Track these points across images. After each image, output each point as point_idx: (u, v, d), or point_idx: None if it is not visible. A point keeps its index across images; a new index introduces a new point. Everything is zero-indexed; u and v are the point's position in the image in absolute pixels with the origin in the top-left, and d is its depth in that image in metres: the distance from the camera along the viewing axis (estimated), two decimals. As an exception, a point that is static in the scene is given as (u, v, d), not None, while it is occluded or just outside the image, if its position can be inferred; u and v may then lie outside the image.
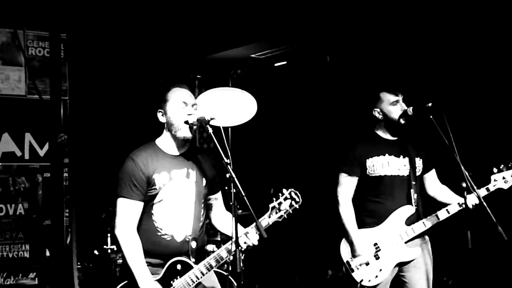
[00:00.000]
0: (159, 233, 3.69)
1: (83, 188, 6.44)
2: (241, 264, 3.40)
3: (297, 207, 3.77)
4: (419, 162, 4.43)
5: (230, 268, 5.72)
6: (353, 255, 4.32)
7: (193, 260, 3.70)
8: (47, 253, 6.22)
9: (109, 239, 6.14)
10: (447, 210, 4.29)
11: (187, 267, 3.68)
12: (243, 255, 5.89)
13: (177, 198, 3.73)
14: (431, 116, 4.06)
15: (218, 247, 4.48)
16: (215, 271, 3.91)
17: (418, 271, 4.34)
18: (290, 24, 6.34)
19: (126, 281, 3.66)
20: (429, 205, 4.46)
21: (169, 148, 3.79)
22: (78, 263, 6.21)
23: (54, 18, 6.17)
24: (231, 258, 3.55)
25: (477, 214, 4.07)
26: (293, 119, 7.56)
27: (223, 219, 3.96)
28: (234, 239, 3.43)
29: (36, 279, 6.17)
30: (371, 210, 4.37)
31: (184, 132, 3.71)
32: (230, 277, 5.23)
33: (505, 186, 4.34)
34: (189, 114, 3.70)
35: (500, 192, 4.33)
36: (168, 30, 6.79)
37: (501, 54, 5.56)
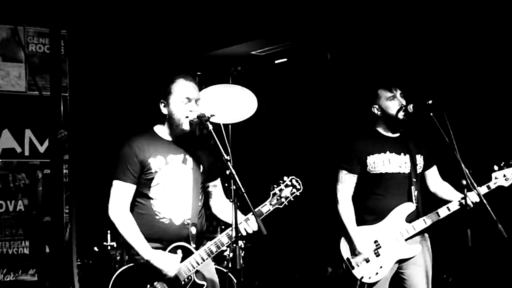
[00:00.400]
0: (157, 217, 3.71)
1: (83, 185, 6.43)
2: (241, 261, 3.40)
3: (298, 194, 3.79)
4: (420, 159, 4.42)
5: (230, 265, 5.73)
6: (353, 253, 4.32)
7: (194, 245, 3.71)
8: (47, 250, 6.22)
9: (109, 235, 6.13)
10: (447, 207, 4.29)
11: (187, 253, 3.69)
12: (243, 252, 5.91)
13: (174, 182, 3.74)
14: (431, 114, 4.05)
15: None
16: (215, 268, 3.92)
17: (418, 268, 4.34)
18: (290, 21, 6.34)
19: (127, 266, 3.68)
20: (429, 202, 4.45)
21: (166, 135, 3.81)
22: (78, 260, 6.21)
23: (54, 14, 6.16)
24: (232, 246, 3.55)
25: (477, 212, 4.07)
26: (293, 116, 7.55)
27: (223, 207, 3.97)
28: (234, 238, 3.43)
29: (36, 275, 6.17)
30: (371, 207, 4.37)
31: (185, 126, 3.73)
32: (229, 274, 5.23)
33: (506, 184, 4.34)
34: (191, 111, 3.70)
35: (500, 190, 4.33)
36: (169, 27, 6.78)
37: (501, 51, 5.55)
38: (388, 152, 4.35)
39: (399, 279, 4.39)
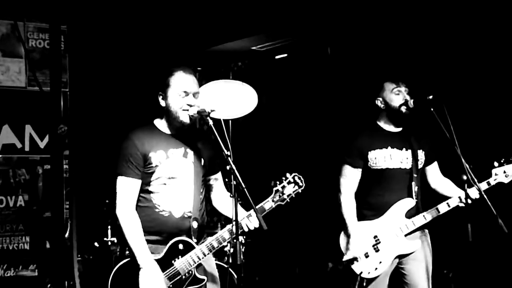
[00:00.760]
0: (157, 210, 3.70)
1: (83, 180, 6.44)
2: (242, 257, 3.40)
3: (300, 191, 3.79)
4: (421, 155, 4.42)
5: (230, 261, 5.73)
6: (347, 247, 4.32)
7: (195, 240, 3.71)
8: (47, 245, 6.22)
9: (109, 231, 6.14)
10: (447, 203, 4.29)
11: (189, 247, 3.69)
12: (244, 247, 5.91)
13: (175, 176, 3.73)
14: (432, 109, 4.05)
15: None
16: (216, 264, 3.92)
17: (418, 263, 4.34)
18: (291, 17, 6.33)
19: (127, 259, 3.67)
20: (429, 198, 4.45)
21: (165, 128, 3.80)
22: (78, 255, 6.21)
23: (54, 9, 6.15)
24: (233, 241, 3.55)
25: (477, 207, 4.07)
26: (293, 111, 7.55)
27: (224, 201, 3.97)
28: (234, 235, 3.44)
29: (36, 271, 6.18)
30: (371, 203, 4.37)
31: (182, 117, 3.71)
32: (230, 269, 5.23)
33: (506, 180, 4.33)
34: (189, 105, 3.69)
35: (500, 185, 4.33)
36: (169, 22, 6.77)
37: (502, 46, 5.54)
38: (389, 148, 4.35)
39: (400, 274, 4.39)
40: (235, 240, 3.41)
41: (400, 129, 4.43)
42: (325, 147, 6.92)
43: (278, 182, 3.77)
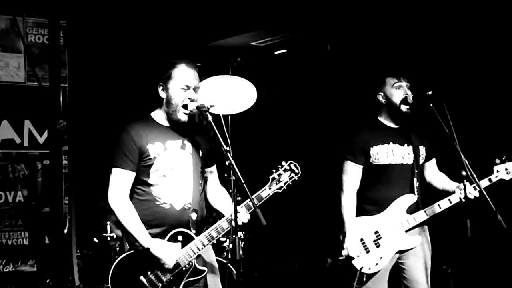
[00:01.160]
0: (157, 202, 3.70)
1: (82, 176, 6.44)
2: (241, 252, 3.40)
3: (296, 178, 3.80)
4: (422, 150, 4.42)
5: (229, 256, 5.73)
6: (343, 246, 4.33)
7: (194, 231, 3.71)
8: (46, 241, 6.23)
9: (108, 226, 6.14)
10: (449, 200, 4.28)
11: (188, 238, 3.69)
12: (243, 243, 5.92)
13: (174, 168, 3.73)
14: (431, 104, 4.04)
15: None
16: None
17: (417, 259, 4.34)
18: (290, 12, 6.32)
19: (127, 253, 3.68)
20: (428, 193, 4.45)
21: (163, 120, 3.79)
22: (77, 251, 6.23)
23: (53, 5, 6.15)
24: (232, 237, 3.54)
25: (476, 203, 4.07)
26: (293, 107, 7.54)
27: (217, 195, 3.98)
28: (233, 229, 3.44)
29: (35, 266, 6.18)
30: (373, 198, 4.36)
31: (180, 115, 3.71)
32: (229, 265, 5.23)
33: (507, 177, 4.32)
34: (190, 99, 3.69)
35: (499, 181, 4.32)
36: (168, 18, 6.76)
37: (502, 43, 5.54)
38: (391, 143, 4.34)
39: (399, 269, 4.39)
40: (234, 236, 3.41)
41: (400, 124, 4.42)
42: (324, 143, 6.91)
43: (274, 170, 3.80)
